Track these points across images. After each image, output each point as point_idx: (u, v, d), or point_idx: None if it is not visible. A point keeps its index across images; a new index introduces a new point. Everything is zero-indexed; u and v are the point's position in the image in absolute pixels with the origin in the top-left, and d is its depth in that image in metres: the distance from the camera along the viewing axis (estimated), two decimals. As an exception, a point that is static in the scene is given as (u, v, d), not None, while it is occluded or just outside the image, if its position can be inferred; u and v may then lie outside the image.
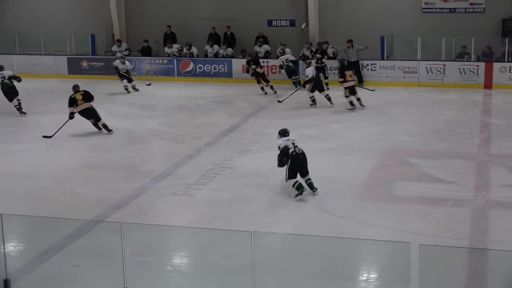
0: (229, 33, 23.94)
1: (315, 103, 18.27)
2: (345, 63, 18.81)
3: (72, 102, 15.86)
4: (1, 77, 18.24)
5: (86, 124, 16.11)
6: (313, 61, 20.97)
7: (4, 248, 8.05)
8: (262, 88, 20.17)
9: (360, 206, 10.71)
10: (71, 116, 15.83)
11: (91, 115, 15.87)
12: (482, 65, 20.53)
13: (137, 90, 21.17)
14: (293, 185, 10.88)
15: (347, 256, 8.03)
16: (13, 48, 25.35)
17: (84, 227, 9.53)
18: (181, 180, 12.06)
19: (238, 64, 22.48)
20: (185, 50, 23.57)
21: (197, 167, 12.84)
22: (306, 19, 23.27)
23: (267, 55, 22.59)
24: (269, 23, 24.09)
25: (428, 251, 7.07)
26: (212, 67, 23.02)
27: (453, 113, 17.18)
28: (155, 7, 25.13)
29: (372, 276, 8.09)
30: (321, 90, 18.28)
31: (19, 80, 18.40)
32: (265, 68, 21.87)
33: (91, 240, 9.22)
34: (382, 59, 21.63)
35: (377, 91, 19.01)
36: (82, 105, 15.76)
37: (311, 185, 11.01)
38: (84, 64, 24.29)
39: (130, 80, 21.04)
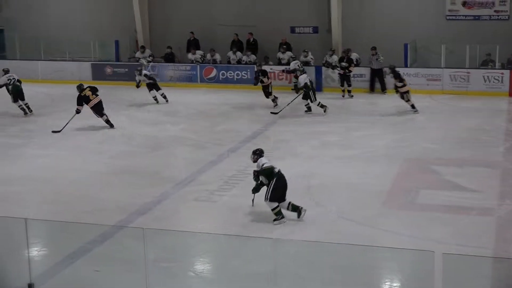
0: (252, 39, 23.98)
1: (311, 110, 18.33)
2: (396, 68, 18.86)
3: (83, 99, 16.65)
4: (12, 79, 18.54)
5: (110, 130, 16.32)
6: (338, 70, 21.05)
7: (28, 253, 8.10)
8: (273, 100, 19.66)
9: (383, 214, 10.66)
10: (78, 111, 16.65)
11: (102, 107, 16.75)
12: (507, 73, 20.37)
13: (167, 101, 20.33)
14: (273, 209, 10.19)
15: (369, 264, 7.97)
16: (38, 54, 25.59)
17: (107, 232, 9.57)
18: (203, 186, 12.09)
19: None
20: (208, 56, 23.64)
21: (219, 174, 12.86)
22: (329, 26, 23.25)
23: (290, 61, 22.57)
24: (292, 29, 24.10)
25: (451, 260, 7.02)
26: (235, 73, 23.04)
27: (477, 121, 17.06)
28: (179, 13, 25.23)
29: (394, 285, 8.02)
30: (312, 100, 18.24)
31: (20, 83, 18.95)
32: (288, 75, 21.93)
33: (113, 246, 9.26)
34: (406, 66, 21.49)
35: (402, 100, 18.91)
36: (94, 99, 16.66)
37: (294, 206, 10.32)
38: (108, 70, 24.44)
39: (158, 89, 20.32)
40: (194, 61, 23.64)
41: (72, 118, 16.59)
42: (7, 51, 27.47)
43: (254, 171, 10.52)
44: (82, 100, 16.70)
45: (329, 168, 13.17)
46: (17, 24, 26.87)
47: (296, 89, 18.74)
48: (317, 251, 8.47)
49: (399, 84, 18.21)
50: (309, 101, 18.23)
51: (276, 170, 10.38)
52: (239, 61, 23.41)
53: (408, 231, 9.80)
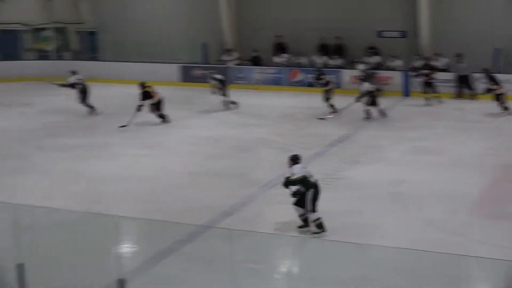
0: (338, 43, 23.91)
1: (369, 116, 18.18)
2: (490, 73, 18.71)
3: (147, 95, 17.56)
4: (80, 79, 19.17)
5: (197, 131, 16.57)
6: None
7: (119, 249, 8.34)
8: (332, 106, 19.20)
9: (472, 223, 10.44)
10: (140, 107, 17.43)
11: (162, 104, 17.73)
12: None
13: (227, 107, 20.05)
14: (315, 221, 9.88)
15: (456, 273, 7.84)
16: (128, 56, 26.30)
17: (194, 232, 9.73)
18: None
19: (348, 75, 22.39)
20: (294, 60, 23.70)
21: (305, 177, 12.84)
22: (417, 30, 22.96)
23: (377, 66, 22.43)
24: (379, 34, 23.88)
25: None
26: (322, 77, 22.99)
27: None
28: (266, 17, 25.39)
29: (483, 296, 7.88)
30: (374, 104, 18.18)
31: None
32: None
33: (201, 245, 9.40)
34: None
35: (490, 105, 18.50)
36: (156, 96, 17.65)
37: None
38: (196, 72, 24.83)
39: (223, 94, 20.06)
40: (281, 64, 23.75)
41: (135, 114, 17.30)
42: (100, 53, 28.36)
43: (286, 178, 10.19)
44: (144, 96, 17.53)
45: (417, 174, 12.98)
46: (109, 27, 27.72)
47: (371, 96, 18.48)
48: (404, 258, 8.39)
49: (495, 87, 17.95)
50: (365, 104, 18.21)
51: (313, 179, 10.05)
52: (325, 65, 23.37)
53: (498, 241, 9.55)
